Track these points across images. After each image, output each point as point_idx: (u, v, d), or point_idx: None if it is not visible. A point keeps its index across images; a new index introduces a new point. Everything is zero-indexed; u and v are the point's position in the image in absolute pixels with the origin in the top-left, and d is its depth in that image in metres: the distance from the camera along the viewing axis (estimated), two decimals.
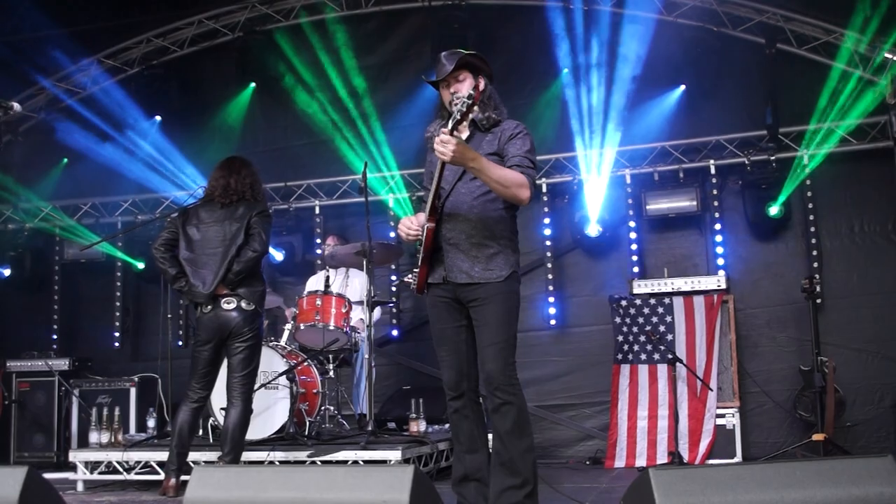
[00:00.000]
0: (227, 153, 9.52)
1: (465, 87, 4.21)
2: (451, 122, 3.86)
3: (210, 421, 7.15)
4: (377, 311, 7.98)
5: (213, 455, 6.20)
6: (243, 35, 9.80)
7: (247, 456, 6.34)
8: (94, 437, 7.18)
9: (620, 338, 8.16)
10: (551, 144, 8.85)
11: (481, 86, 4.16)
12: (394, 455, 6.16)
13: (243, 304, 5.86)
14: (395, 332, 9.45)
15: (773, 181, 8.33)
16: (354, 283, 8.08)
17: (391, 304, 9.20)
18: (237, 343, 5.86)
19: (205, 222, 5.98)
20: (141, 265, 10.07)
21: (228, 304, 5.84)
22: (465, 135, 4.24)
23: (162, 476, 6.04)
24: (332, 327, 7.36)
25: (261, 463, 6.22)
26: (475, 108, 3.99)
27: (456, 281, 4.17)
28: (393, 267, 9.36)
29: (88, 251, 9.46)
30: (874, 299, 8.11)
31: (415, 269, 4.30)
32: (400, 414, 7.80)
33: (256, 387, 6.60)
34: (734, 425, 7.75)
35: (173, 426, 5.94)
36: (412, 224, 4.29)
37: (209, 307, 5.86)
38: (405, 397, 7.93)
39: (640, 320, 8.11)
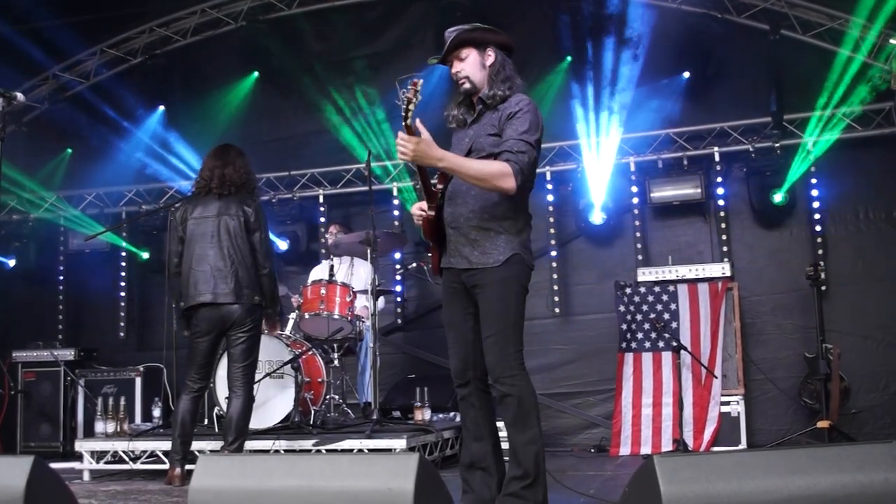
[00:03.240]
0: (230, 142, 9.60)
1: (467, 65, 4.18)
2: (403, 121, 3.79)
3: (215, 410, 7.17)
4: (381, 300, 7.98)
5: (217, 444, 6.20)
6: (246, 24, 9.79)
7: (252, 445, 6.34)
8: (99, 426, 7.19)
9: (624, 326, 8.16)
10: (555, 132, 8.82)
11: (489, 59, 4.18)
12: (398, 443, 6.15)
13: (243, 299, 5.88)
14: (399, 321, 9.44)
15: (778, 168, 8.30)
16: (359, 272, 8.08)
17: (396, 293, 9.20)
18: (239, 334, 5.87)
19: (201, 216, 5.95)
20: (145, 255, 10.11)
21: (232, 302, 5.84)
22: (476, 112, 4.21)
23: (167, 465, 6.05)
24: (336, 316, 7.36)
25: (266, 451, 6.20)
26: (415, 98, 3.80)
27: (457, 266, 4.14)
28: (397, 256, 9.36)
29: (93, 241, 9.44)
30: (879, 286, 8.08)
31: (428, 254, 4.31)
32: (405, 402, 7.82)
33: (261, 376, 6.67)
34: (739, 413, 7.74)
35: (175, 416, 5.95)
36: (422, 209, 4.27)
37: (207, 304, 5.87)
38: (410, 386, 7.95)
39: (645, 308, 8.11)
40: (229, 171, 6.01)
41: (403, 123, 3.79)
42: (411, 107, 3.76)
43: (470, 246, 4.09)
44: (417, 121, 3.81)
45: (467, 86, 4.20)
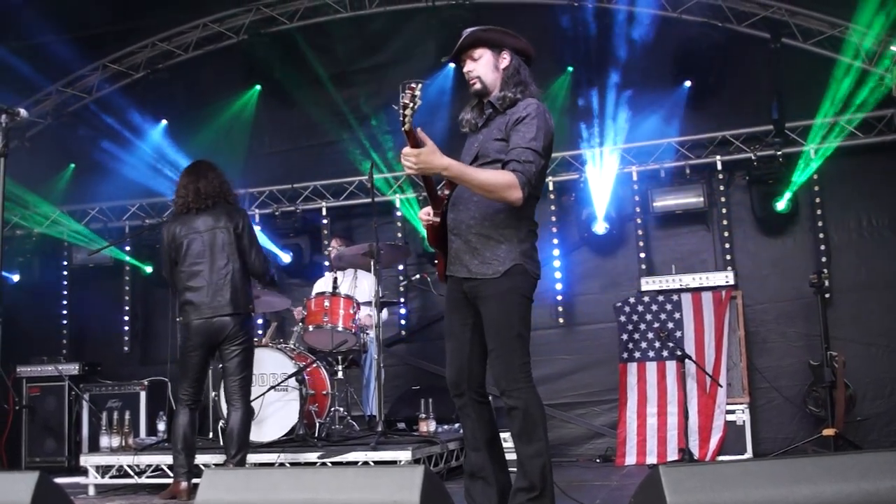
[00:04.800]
0: (233, 156, 9.69)
1: (480, 65, 4.11)
2: (402, 126, 3.69)
3: (220, 423, 7.15)
4: (385, 312, 7.97)
5: (222, 458, 6.17)
6: (248, 38, 9.81)
7: (257, 458, 6.37)
8: (104, 441, 7.21)
9: (625, 336, 8.14)
10: (557, 142, 8.75)
11: (504, 62, 4.11)
12: (404, 455, 6.15)
13: (239, 310, 5.91)
14: (403, 333, 9.43)
15: (780, 176, 8.30)
16: (363, 285, 8.07)
17: (399, 305, 9.19)
18: (233, 347, 5.89)
19: (188, 234, 5.98)
20: (149, 269, 10.12)
21: (225, 315, 5.88)
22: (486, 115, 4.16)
23: (172, 479, 6.04)
24: (340, 329, 7.36)
25: (271, 465, 6.22)
26: (411, 108, 3.68)
27: (457, 275, 4.08)
28: (401, 267, 9.36)
29: (97, 256, 9.48)
30: (883, 293, 8.07)
31: (432, 263, 4.30)
32: (409, 414, 7.82)
33: (265, 389, 6.70)
34: (744, 421, 7.72)
35: (175, 431, 5.94)
36: (429, 214, 4.25)
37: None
38: (415, 397, 7.94)
39: (649, 317, 8.09)
40: (203, 184, 6.04)
41: (402, 129, 3.71)
42: (408, 112, 3.66)
43: (470, 254, 4.01)
44: (419, 130, 3.72)
45: (478, 86, 4.13)
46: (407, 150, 3.75)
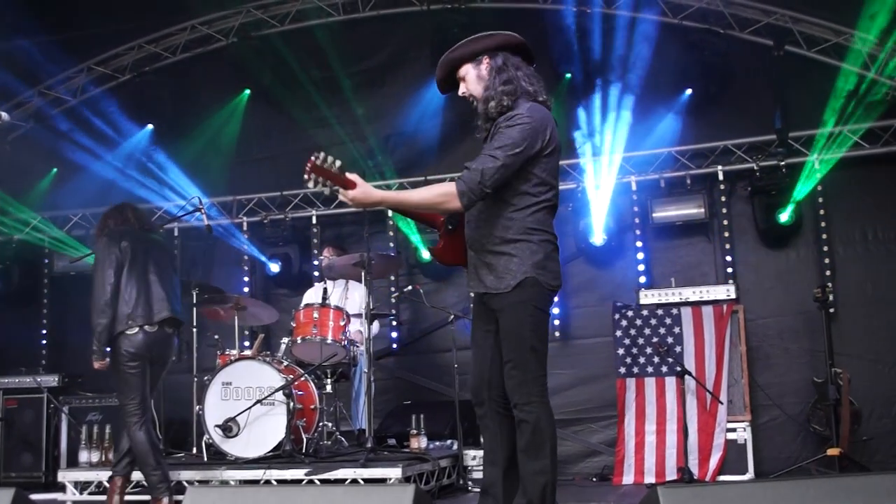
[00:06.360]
0: (221, 161, 9.66)
1: (468, 83, 4.19)
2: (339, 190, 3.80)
3: (204, 438, 7.04)
4: (376, 324, 7.85)
5: (203, 473, 6.24)
6: (237, 40, 9.73)
7: (242, 475, 6.36)
8: (83, 456, 7.28)
9: (622, 350, 8.02)
10: None
11: (485, 69, 4.15)
12: (394, 473, 6.10)
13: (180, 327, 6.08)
14: (394, 346, 9.31)
15: (783, 187, 8.24)
16: (354, 296, 7.99)
17: (391, 317, 9.06)
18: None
19: (138, 248, 5.95)
20: None
21: (171, 328, 5.93)
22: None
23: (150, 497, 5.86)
24: (329, 341, 7.30)
25: (257, 482, 6.19)
26: None
27: (475, 290, 4.14)
28: (392, 278, 9.22)
29: (78, 264, 9.32)
30: (889, 308, 7.99)
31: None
32: (400, 430, 7.74)
33: (252, 402, 6.71)
34: (746, 440, 7.60)
35: (140, 451, 5.72)
36: None
37: (151, 328, 5.80)
38: (405, 412, 7.88)
39: (647, 331, 7.98)
40: (137, 211, 6.32)
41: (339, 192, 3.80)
42: (321, 179, 3.74)
43: (486, 269, 4.06)
44: (346, 174, 3.78)
45: (476, 103, 4.20)
46: (340, 191, 3.80)
